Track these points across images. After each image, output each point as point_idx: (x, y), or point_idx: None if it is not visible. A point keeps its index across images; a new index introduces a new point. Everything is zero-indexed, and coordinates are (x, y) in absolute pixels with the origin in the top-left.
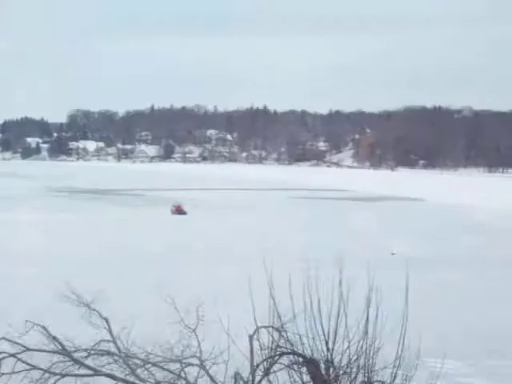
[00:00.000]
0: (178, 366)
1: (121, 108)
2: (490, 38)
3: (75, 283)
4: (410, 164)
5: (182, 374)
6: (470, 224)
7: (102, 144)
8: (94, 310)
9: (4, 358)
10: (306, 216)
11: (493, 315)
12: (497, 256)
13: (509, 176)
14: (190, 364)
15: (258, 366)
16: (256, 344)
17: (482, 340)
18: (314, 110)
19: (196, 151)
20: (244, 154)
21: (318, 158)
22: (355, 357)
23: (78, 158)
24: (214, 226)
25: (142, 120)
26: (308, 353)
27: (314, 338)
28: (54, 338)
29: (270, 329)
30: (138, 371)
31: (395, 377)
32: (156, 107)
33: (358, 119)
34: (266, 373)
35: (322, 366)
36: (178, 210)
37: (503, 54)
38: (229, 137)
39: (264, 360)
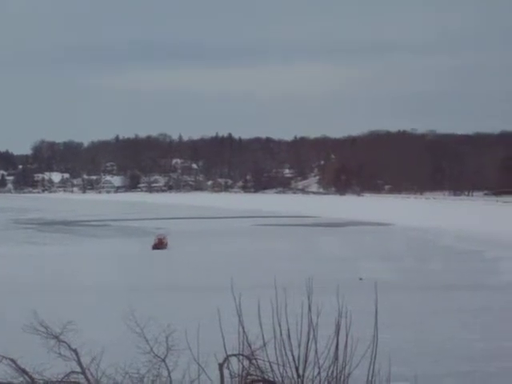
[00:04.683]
0: None
1: (85, 139)
2: (455, 63)
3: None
4: (376, 189)
5: None
6: (437, 247)
7: (67, 175)
8: (63, 341)
9: None
10: (275, 243)
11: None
12: (463, 279)
13: (474, 199)
14: None
15: None
16: (226, 372)
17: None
18: (279, 137)
19: (162, 180)
20: (209, 183)
21: (283, 185)
22: (326, 382)
23: (43, 190)
24: (193, 256)
25: (106, 150)
26: (278, 380)
27: (284, 365)
28: (24, 371)
29: (240, 357)
30: None
31: None
32: (121, 137)
33: (323, 145)
34: None
35: None
36: (158, 244)
37: (467, 78)
38: (194, 165)
39: None
